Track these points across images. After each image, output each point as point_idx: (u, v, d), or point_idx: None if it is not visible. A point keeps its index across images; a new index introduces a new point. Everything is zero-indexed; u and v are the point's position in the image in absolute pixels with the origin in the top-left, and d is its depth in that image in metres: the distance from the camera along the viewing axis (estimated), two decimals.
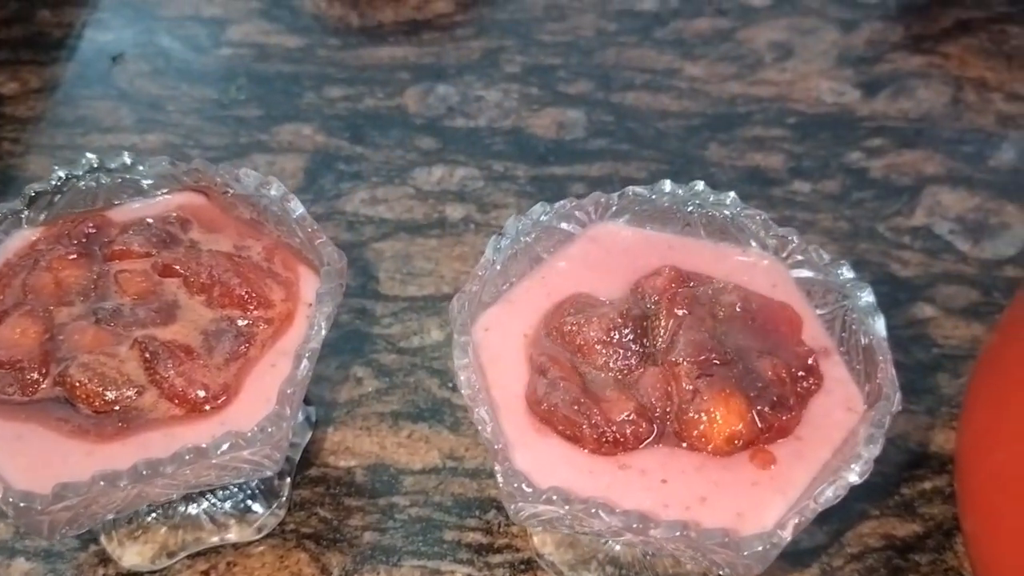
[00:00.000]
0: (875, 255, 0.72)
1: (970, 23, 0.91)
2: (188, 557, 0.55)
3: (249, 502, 0.56)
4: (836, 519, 0.58)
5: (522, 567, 0.56)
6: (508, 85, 0.84)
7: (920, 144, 0.80)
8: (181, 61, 0.85)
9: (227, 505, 0.56)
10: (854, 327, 0.49)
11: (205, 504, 0.56)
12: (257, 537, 0.56)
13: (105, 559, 0.55)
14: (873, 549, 0.57)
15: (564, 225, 0.55)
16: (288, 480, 0.58)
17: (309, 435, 0.60)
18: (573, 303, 0.51)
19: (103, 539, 0.55)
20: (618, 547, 0.55)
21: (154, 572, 0.55)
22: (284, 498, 0.57)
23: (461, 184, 0.76)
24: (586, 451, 0.46)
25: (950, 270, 0.71)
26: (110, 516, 0.46)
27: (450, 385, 0.64)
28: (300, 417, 0.60)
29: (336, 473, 0.60)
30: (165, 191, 0.56)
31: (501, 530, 0.57)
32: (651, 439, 0.46)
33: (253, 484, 0.56)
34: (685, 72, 0.85)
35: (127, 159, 0.55)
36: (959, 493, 0.53)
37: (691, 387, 0.46)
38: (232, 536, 0.56)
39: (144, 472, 0.42)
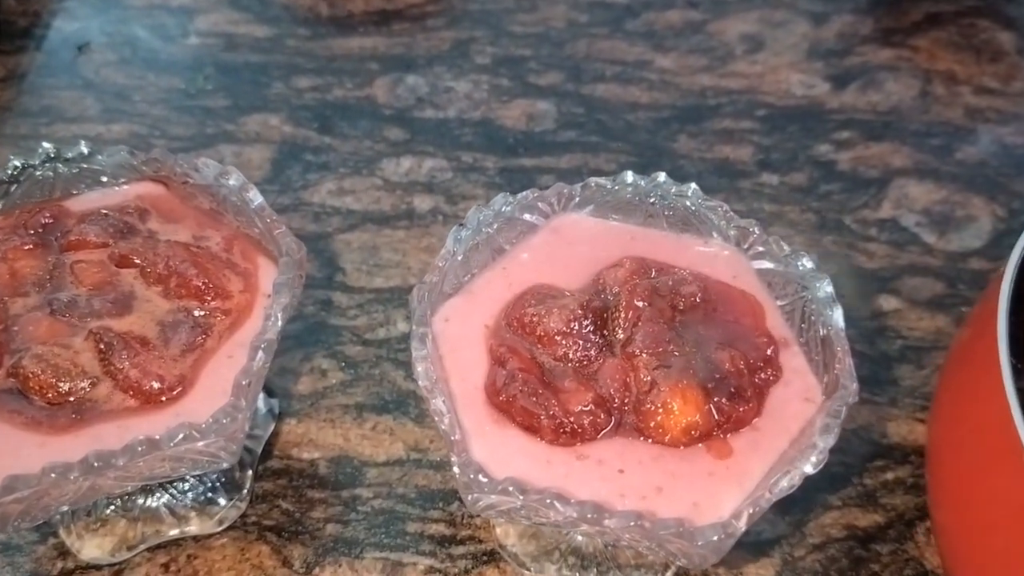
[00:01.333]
0: (841, 247, 0.72)
1: (939, 17, 0.91)
2: (148, 550, 0.55)
3: (210, 494, 0.56)
4: (798, 509, 0.58)
5: (484, 558, 0.56)
6: (478, 76, 0.83)
7: (888, 137, 0.80)
8: (148, 51, 0.84)
9: (188, 497, 0.56)
10: (813, 318, 0.50)
11: (165, 497, 0.55)
12: (218, 529, 0.56)
13: (64, 552, 0.55)
14: (835, 539, 0.57)
15: (527, 216, 0.55)
16: (250, 472, 0.58)
17: (272, 427, 0.60)
18: (534, 294, 0.51)
19: (62, 532, 0.55)
20: (580, 538, 0.55)
21: (114, 565, 0.55)
22: (246, 490, 0.57)
23: (429, 175, 0.75)
24: (544, 441, 0.46)
25: (916, 262, 0.71)
26: (64, 508, 0.46)
27: (414, 377, 0.63)
28: (263, 409, 0.60)
29: (299, 465, 0.59)
30: (124, 181, 0.56)
31: (464, 522, 0.57)
32: (609, 429, 0.46)
33: (214, 476, 0.56)
34: (656, 64, 0.85)
35: (84, 149, 0.54)
36: (929, 485, 0.53)
37: (649, 378, 0.46)
38: (193, 528, 0.55)
39: (95, 464, 0.42)
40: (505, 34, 0.87)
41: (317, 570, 0.55)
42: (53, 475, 0.42)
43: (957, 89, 0.85)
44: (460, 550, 0.56)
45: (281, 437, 0.60)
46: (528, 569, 0.55)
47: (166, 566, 0.55)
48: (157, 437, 0.43)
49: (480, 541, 0.56)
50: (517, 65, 0.85)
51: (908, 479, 0.60)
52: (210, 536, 0.56)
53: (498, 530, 0.56)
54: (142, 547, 0.55)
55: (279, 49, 0.85)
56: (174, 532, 0.55)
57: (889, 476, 0.60)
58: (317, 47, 0.85)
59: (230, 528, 0.56)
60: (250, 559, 0.55)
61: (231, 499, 0.56)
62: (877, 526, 0.58)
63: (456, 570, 0.55)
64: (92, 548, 0.54)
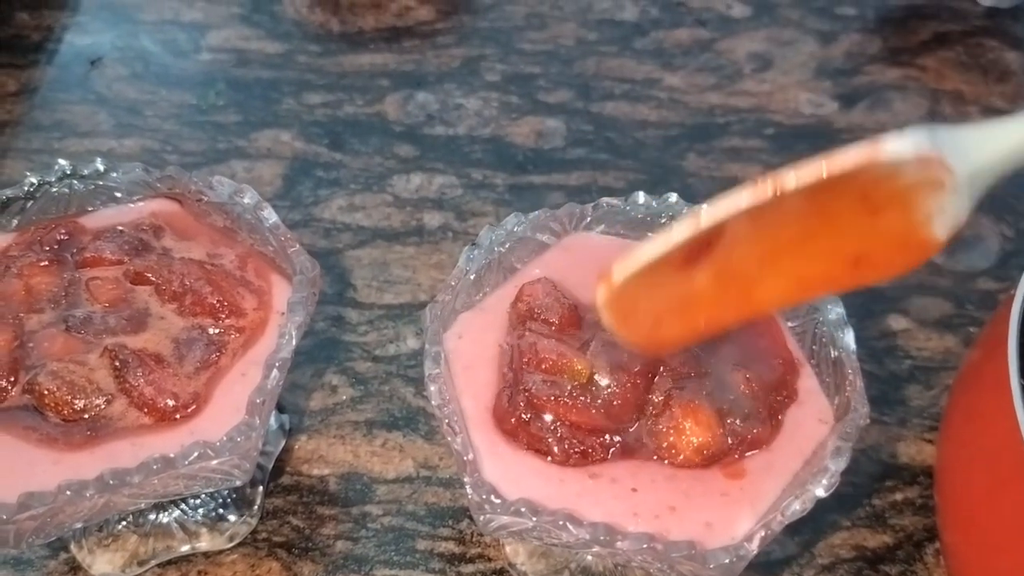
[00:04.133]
0: None
1: (947, 36, 0.92)
2: (159, 565, 0.55)
3: (221, 510, 0.56)
4: (807, 530, 0.58)
5: None
6: (488, 93, 0.84)
7: None
8: (160, 66, 0.85)
9: (199, 513, 0.56)
10: (824, 340, 0.50)
11: (176, 512, 0.55)
12: (229, 546, 0.56)
13: (75, 567, 0.55)
14: (844, 560, 0.57)
15: (538, 235, 0.55)
16: (260, 488, 0.58)
17: (283, 443, 0.60)
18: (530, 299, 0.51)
19: (73, 547, 0.55)
20: (589, 558, 0.55)
21: None
22: (256, 506, 0.57)
23: (440, 192, 0.76)
24: (555, 463, 0.46)
25: (924, 282, 0.72)
26: (78, 525, 0.46)
27: (425, 394, 0.63)
28: (274, 425, 0.60)
29: (309, 481, 0.59)
30: (138, 198, 0.56)
31: (474, 540, 0.57)
32: (621, 451, 0.46)
33: (225, 493, 0.56)
34: (664, 82, 0.86)
35: (100, 166, 0.55)
36: (939, 506, 0.53)
37: (661, 399, 0.46)
38: (203, 544, 0.55)
39: (111, 482, 0.42)
40: (515, 51, 0.88)
41: None
42: (68, 493, 0.42)
43: (965, 109, 0.85)
44: (469, 568, 0.56)
45: (292, 453, 0.60)
46: None
47: None
48: (172, 455, 0.43)
49: (489, 559, 0.56)
50: (526, 83, 0.85)
51: (917, 500, 0.60)
52: (221, 552, 0.56)
53: (507, 549, 0.56)
54: (153, 563, 0.55)
55: (290, 65, 0.85)
56: (185, 548, 0.55)
57: (898, 497, 0.60)
58: (328, 63, 0.86)
59: (240, 544, 0.56)
60: (261, 575, 0.55)
61: (242, 515, 0.56)
62: (886, 547, 0.58)
63: None
64: (103, 564, 0.55)
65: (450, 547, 0.57)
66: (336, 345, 0.66)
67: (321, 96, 0.83)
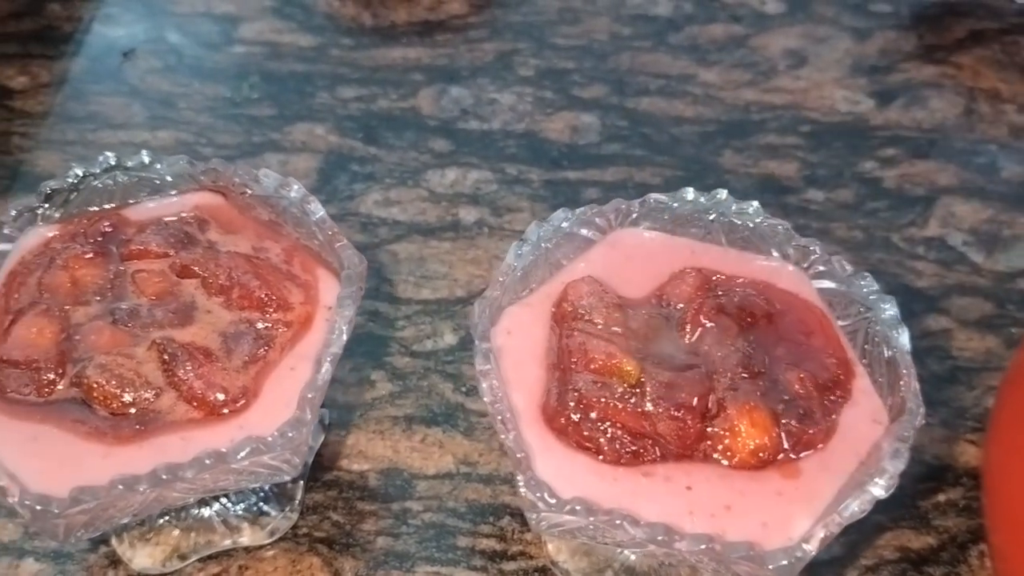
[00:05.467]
0: (890, 265, 0.71)
1: (983, 34, 0.91)
2: (199, 560, 0.55)
3: (262, 505, 0.56)
4: (852, 530, 0.56)
5: (536, 575, 0.55)
6: (522, 88, 0.83)
7: (933, 154, 0.80)
8: (193, 58, 0.84)
9: (240, 508, 0.56)
10: (877, 339, 0.49)
11: (217, 507, 0.55)
12: (269, 541, 0.56)
13: (115, 561, 0.55)
14: (888, 561, 0.57)
15: (584, 231, 0.55)
16: (301, 483, 0.57)
17: (322, 438, 0.60)
18: (586, 307, 0.50)
19: (114, 540, 0.55)
20: (633, 556, 0.54)
21: (165, 575, 0.54)
22: (297, 501, 0.57)
23: (475, 187, 0.75)
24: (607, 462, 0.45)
25: (964, 282, 0.71)
26: (126, 520, 0.46)
27: (463, 389, 0.63)
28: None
29: (349, 477, 0.59)
30: (182, 190, 0.56)
31: (515, 537, 0.57)
32: (674, 451, 0.45)
33: (266, 487, 0.56)
34: (699, 78, 0.85)
35: (145, 158, 0.54)
36: (986, 507, 0.53)
37: (716, 401, 0.45)
38: (244, 539, 0.55)
39: (164, 477, 0.42)
40: (548, 46, 0.87)
41: None
42: (120, 487, 0.42)
43: (1001, 107, 0.84)
44: (511, 566, 0.56)
45: (331, 448, 0.60)
46: None
47: None
48: (224, 450, 0.43)
49: (531, 557, 0.56)
50: (560, 77, 0.85)
51: (961, 501, 0.59)
52: (261, 547, 0.56)
53: (550, 546, 0.56)
54: (194, 557, 0.55)
55: (323, 59, 0.85)
56: (226, 543, 0.55)
57: (941, 498, 0.60)
58: (361, 57, 0.85)
59: (281, 539, 0.56)
60: (301, 571, 0.55)
61: (282, 510, 0.56)
62: (930, 548, 0.57)
63: None
64: (144, 558, 0.54)
65: (491, 544, 0.56)
66: (374, 340, 0.65)
67: (355, 90, 0.82)
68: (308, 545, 0.56)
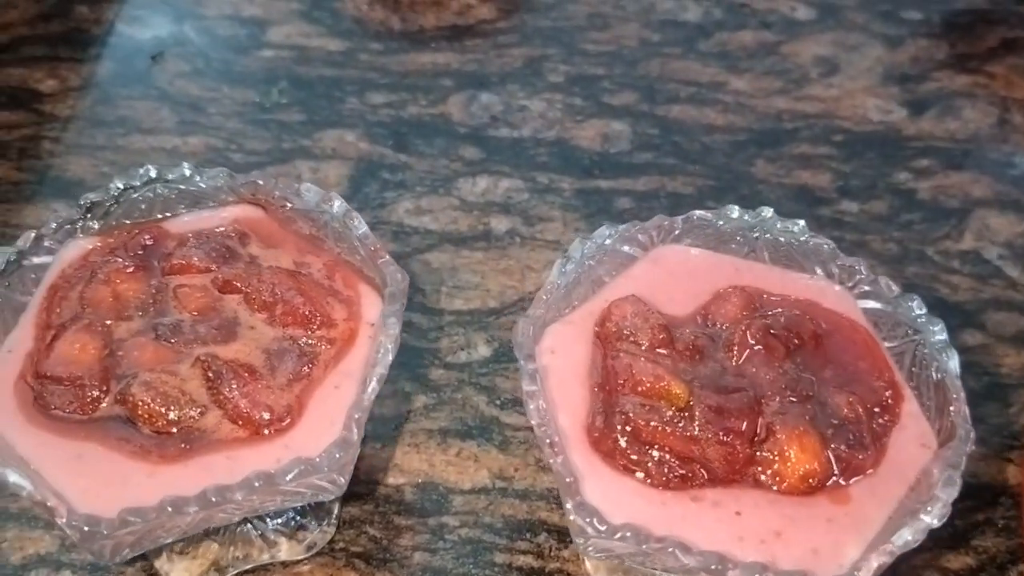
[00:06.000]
0: (924, 279, 0.71)
1: (1015, 43, 0.90)
2: (237, 574, 0.55)
3: (299, 519, 0.56)
4: None
5: None
6: (552, 95, 0.83)
7: (967, 166, 0.79)
8: (221, 62, 0.84)
9: (278, 522, 0.55)
10: (925, 362, 0.49)
11: (256, 521, 0.55)
12: (306, 556, 0.55)
13: (153, 574, 0.55)
14: None
15: (626, 248, 0.54)
16: (338, 497, 0.57)
17: (362, 436, 0.59)
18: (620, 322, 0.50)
19: (151, 554, 0.55)
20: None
21: None
22: (334, 516, 0.57)
23: (506, 196, 0.75)
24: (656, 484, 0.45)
25: (1000, 296, 0.70)
26: (171, 540, 0.45)
27: (498, 403, 0.63)
28: None
29: (385, 491, 0.59)
30: (222, 203, 0.55)
31: (552, 554, 0.57)
32: (722, 476, 0.45)
33: None
34: (730, 86, 0.85)
35: (187, 171, 0.54)
36: (1023, 528, 0.53)
37: (765, 425, 0.45)
38: (282, 554, 0.55)
39: (213, 499, 0.42)
40: (577, 52, 0.87)
41: None
42: (170, 509, 0.42)
43: None
44: None
45: (367, 462, 0.60)
46: None
47: None
48: (273, 472, 0.43)
49: (568, 574, 0.56)
50: (591, 84, 0.84)
51: (999, 520, 0.59)
52: (298, 562, 0.55)
53: (588, 564, 0.56)
54: (232, 572, 0.54)
55: (352, 63, 0.84)
56: (264, 557, 0.55)
57: (980, 517, 0.59)
58: (390, 62, 0.85)
59: (318, 554, 0.56)
60: None
61: (320, 524, 0.56)
62: (969, 569, 0.57)
63: None
64: (181, 572, 0.54)
65: (528, 561, 0.56)
66: (408, 351, 0.65)
67: (384, 96, 0.82)
68: (345, 560, 0.56)
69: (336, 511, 0.57)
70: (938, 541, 0.58)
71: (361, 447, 0.60)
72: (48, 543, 0.56)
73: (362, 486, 0.59)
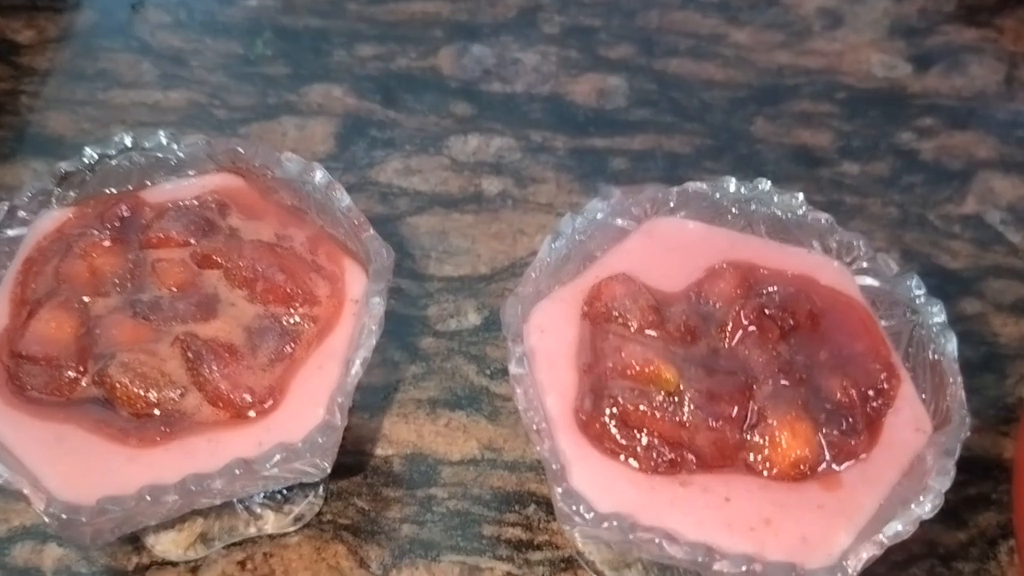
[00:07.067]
0: (924, 245, 0.69)
1: None
2: (224, 547, 0.54)
3: (286, 492, 0.55)
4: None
5: (562, 565, 0.55)
6: (546, 47, 0.80)
7: (972, 125, 0.77)
8: (204, 12, 0.81)
9: (263, 496, 0.55)
10: (922, 343, 0.48)
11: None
12: (294, 528, 0.55)
13: (139, 547, 0.54)
14: (916, 556, 0.56)
15: (618, 221, 0.53)
16: None
17: (346, 422, 0.59)
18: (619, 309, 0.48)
19: None
20: None
21: (189, 561, 0.54)
22: (321, 488, 0.56)
23: (498, 155, 0.73)
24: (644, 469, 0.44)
25: (1000, 263, 0.69)
26: (153, 523, 0.45)
27: (488, 372, 0.62)
28: None
29: (374, 462, 0.58)
30: (201, 171, 0.54)
31: (541, 526, 0.56)
32: (711, 461, 0.44)
33: None
34: (730, 38, 0.82)
35: (163, 138, 0.52)
36: (1015, 503, 0.52)
37: (756, 409, 0.44)
38: (268, 527, 0.55)
39: (193, 488, 0.41)
40: (573, 2, 0.84)
41: (394, 572, 0.54)
42: (148, 498, 0.41)
43: None
44: (537, 556, 0.55)
45: (354, 432, 0.59)
46: None
47: (242, 564, 0.54)
48: (254, 459, 0.42)
49: (557, 547, 0.56)
50: (587, 36, 0.81)
51: (992, 495, 0.59)
52: (286, 534, 0.55)
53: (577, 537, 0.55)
54: (218, 544, 0.54)
55: (339, 13, 0.81)
56: (251, 530, 0.54)
57: (972, 492, 0.59)
58: (378, 12, 0.82)
59: (306, 526, 0.55)
60: (326, 559, 0.54)
61: (306, 496, 0.55)
62: (959, 544, 0.57)
63: None
64: (168, 544, 0.54)
65: (517, 533, 0.56)
66: (396, 319, 0.64)
67: (372, 47, 0.79)
68: (333, 532, 0.55)
69: (323, 484, 0.56)
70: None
71: (349, 418, 0.59)
72: (34, 515, 0.55)
73: (350, 457, 0.58)
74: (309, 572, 0.54)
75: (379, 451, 0.59)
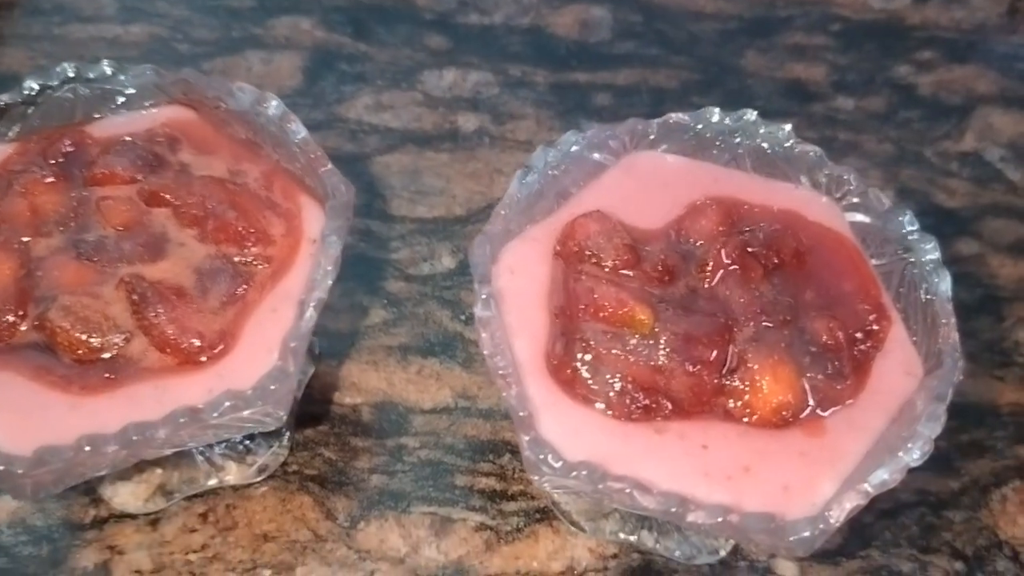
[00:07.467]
0: (920, 183, 0.67)
1: None
2: (185, 499, 0.52)
3: (248, 442, 0.53)
4: None
5: (537, 516, 0.53)
6: None
7: (972, 59, 0.74)
8: None
9: (223, 446, 0.52)
10: (914, 283, 0.45)
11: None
12: (258, 479, 0.53)
13: (96, 499, 0.52)
14: (905, 505, 0.54)
15: (595, 155, 0.50)
16: (290, 418, 0.54)
17: (312, 369, 0.56)
18: (593, 247, 0.45)
19: (93, 479, 0.52)
20: None
21: (149, 514, 0.52)
22: (286, 438, 0.54)
23: (474, 90, 0.69)
24: (616, 418, 0.42)
25: (999, 201, 0.66)
26: (99, 474, 0.42)
27: (462, 317, 0.59)
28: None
29: (341, 411, 0.56)
30: (150, 104, 0.50)
31: (516, 476, 0.54)
32: (688, 407, 0.42)
33: None
34: None
35: (107, 68, 0.49)
36: None
37: (736, 352, 0.42)
38: (230, 478, 0.52)
39: (134, 437, 0.38)
40: None
41: (362, 524, 0.52)
42: (87, 448, 0.38)
43: None
44: (512, 506, 0.53)
45: (321, 380, 0.57)
46: (583, 530, 0.52)
47: (204, 516, 0.52)
48: (200, 407, 0.39)
49: (533, 497, 0.53)
50: None
51: (985, 441, 0.56)
52: (249, 485, 0.53)
53: None
54: (178, 496, 0.52)
55: None
56: (211, 482, 0.52)
57: (964, 438, 0.57)
58: None
59: (270, 477, 0.53)
60: (292, 511, 0.52)
61: (270, 446, 0.53)
62: (950, 492, 0.55)
63: (508, 528, 0.52)
64: (126, 496, 0.52)
65: (491, 483, 0.54)
66: (366, 262, 0.61)
67: None
68: (298, 483, 0.53)
69: (288, 433, 0.54)
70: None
71: (315, 365, 0.57)
72: None
73: (316, 406, 0.56)
74: (274, 524, 0.52)
75: (347, 399, 0.56)
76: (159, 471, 0.52)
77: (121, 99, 0.50)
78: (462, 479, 0.54)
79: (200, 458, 0.52)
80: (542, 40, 0.73)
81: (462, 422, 0.56)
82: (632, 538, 0.51)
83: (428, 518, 0.52)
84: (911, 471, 0.54)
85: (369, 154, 0.66)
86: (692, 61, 0.72)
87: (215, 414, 0.39)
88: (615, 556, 0.51)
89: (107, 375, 0.42)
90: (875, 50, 0.73)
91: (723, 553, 0.51)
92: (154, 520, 0.52)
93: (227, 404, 0.40)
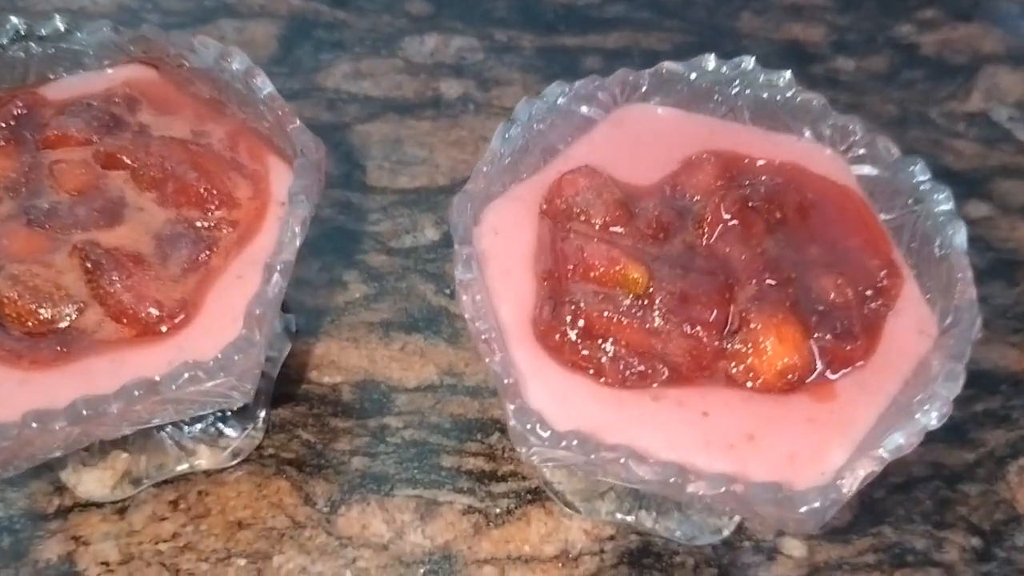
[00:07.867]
0: (925, 144, 0.64)
1: None
2: (154, 486, 0.49)
3: (220, 425, 0.50)
4: None
5: (529, 497, 0.50)
6: None
7: (978, 17, 0.71)
8: None
9: (196, 428, 0.49)
10: (927, 237, 0.42)
11: (169, 427, 0.49)
12: (232, 463, 0.50)
13: (60, 487, 0.49)
14: (919, 478, 0.51)
15: (584, 109, 0.47)
16: (265, 399, 0.51)
17: (288, 347, 0.53)
18: (583, 203, 0.42)
19: (55, 465, 0.49)
20: None
21: (116, 502, 0.49)
22: (261, 419, 0.51)
23: (458, 56, 0.66)
24: (609, 384, 0.39)
25: (1008, 163, 0.63)
26: (54, 455, 0.39)
27: (447, 291, 0.56)
28: (278, 327, 0.53)
29: (320, 391, 0.53)
30: (108, 64, 0.47)
31: (505, 455, 0.51)
32: (687, 371, 0.39)
33: None
34: None
35: (60, 25, 0.46)
36: None
37: (738, 312, 0.39)
38: (202, 462, 0.49)
39: (84, 412, 0.35)
40: None
41: (343, 509, 0.49)
42: (34, 424, 0.35)
43: None
44: (501, 488, 0.50)
45: (298, 358, 0.54)
46: (578, 511, 0.49)
47: (174, 503, 0.49)
48: (156, 378, 0.36)
49: (523, 478, 0.50)
50: None
51: (1000, 411, 0.54)
52: (223, 470, 0.50)
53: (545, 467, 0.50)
54: (147, 483, 0.49)
55: None
56: (182, 467, 0.49)
57: (979, 408, 0.54)
58: None
59: (245, 461, 0.50)
60: (268, 496, 0.49)
61: (244, 429, 0.50)
62: (965, 464, 0.52)
63: (497, 510, 0.49)
64: (91, 483, 0.49)
65: (479, 464, 0.51)
66: (345, 235, 0.58)
67: None
68: (275, 467, 0.50)
69: (263, 414, 0.51)
70: (931, 434, 0.52)
71: (292, 343, 0.54)
72: None
73: (293, 386, 0.53)
74: (249, 511, 0.49)
75: (326, 378, 0.53)
76: (125, 456, 0.49)
77: (77, 58, 0.47)
78: (448, 460, 0.51)
79: (169, 441, 0.49)
80: (528, 3, 0.70)
81: (448, 400, 0.53)
82: (629, 518, 0.48)
83: (413, 501, 0.49)
84: (923, 443, 0.52)
85: (348, 123, 0.63)
86: (685, 23, 0.69)
87: (173, 386, 0.36)
88: (612, 538, 0.48)
89: (59, 348, 0.39)
90: (875, 9, 0.70)
91: (726, 533, 0.48)
92: (121, 508, 0.49)
93: (186, 375, 0.36)
